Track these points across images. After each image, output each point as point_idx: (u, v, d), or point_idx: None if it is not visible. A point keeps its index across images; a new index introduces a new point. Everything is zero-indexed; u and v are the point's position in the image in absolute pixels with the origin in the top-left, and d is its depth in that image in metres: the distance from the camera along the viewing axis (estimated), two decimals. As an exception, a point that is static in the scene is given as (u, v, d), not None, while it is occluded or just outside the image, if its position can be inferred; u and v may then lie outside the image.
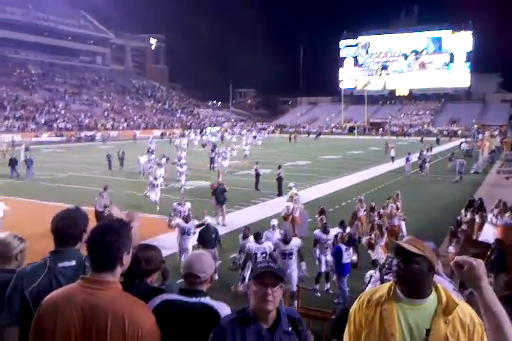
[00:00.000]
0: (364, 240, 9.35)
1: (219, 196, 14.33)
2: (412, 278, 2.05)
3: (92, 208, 12.06)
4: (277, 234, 8.93)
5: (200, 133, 64.71)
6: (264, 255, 7.89)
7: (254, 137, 53.29)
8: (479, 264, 1.71)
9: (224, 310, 2.37)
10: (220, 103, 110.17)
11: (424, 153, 28.06)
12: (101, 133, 58.09)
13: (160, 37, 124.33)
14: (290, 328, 2.20)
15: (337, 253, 8.39)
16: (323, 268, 9.13)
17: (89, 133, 58.04)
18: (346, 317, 2.29)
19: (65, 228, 2.47)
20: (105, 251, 2.05)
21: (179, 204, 11.83)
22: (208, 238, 9.27)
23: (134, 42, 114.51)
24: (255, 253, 7.84)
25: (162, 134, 63.07)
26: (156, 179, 16.57)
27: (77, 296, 2.02)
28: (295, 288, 7.49)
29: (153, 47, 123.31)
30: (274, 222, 9.55)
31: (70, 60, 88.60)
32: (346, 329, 2.26)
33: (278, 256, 7.99)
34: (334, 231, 9.35)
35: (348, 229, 10.18)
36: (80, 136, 56.58)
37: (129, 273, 2.46)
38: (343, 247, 8.37)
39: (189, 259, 2.53)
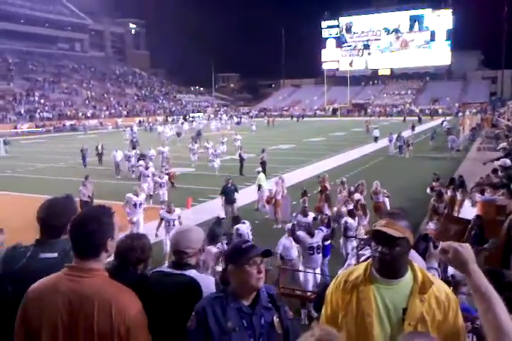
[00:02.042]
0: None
1: (230, 195, 12.78)
2: (394, 261, 2.06)
3: (77, 199, 11.94)
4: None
5: (185, 119, 63.96)
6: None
7: (238, 123, 52.97)
8: (465, 249, 1.70)
9: (208, 282, 2.43)
10: (202, 88, 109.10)
11: (403, 135, 27.55)
12: (82, 123, 57.23)
13: (140, 22, 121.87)
14: (270, 304, 2.24)
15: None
16: None
17: (70, 123, 57.18)
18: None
19: (49, 218, 2.43)
20: (88, 238, 2.03)
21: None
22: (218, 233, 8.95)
23: (113, 27, 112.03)
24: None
25: (140, 122, 60.68)
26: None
27: (62, 285, 2.01)
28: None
29: (133, 33, 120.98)
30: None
31: (47, 48, 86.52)
32: (323, 310, 2.28)
33: (302, 251, 7.62)
34: (312, 213, 9.40)
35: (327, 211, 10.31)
36: (60, 125, 55.71)
37: (122, 260, 2.59)
38: (324, 229, 8.42)
39: (175, 237, 2.61)
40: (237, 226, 8.23)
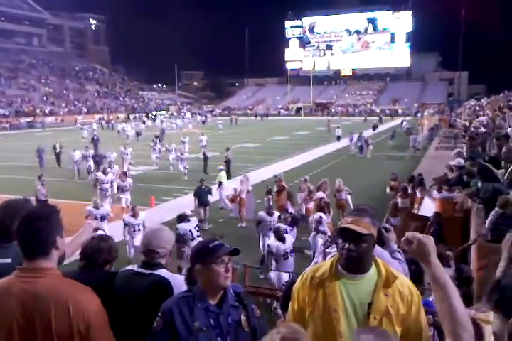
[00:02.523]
0: (311, 218, 9.52)
1: (203, 197, 12.41)
2: (361, 257, 2.10)
3: (33, 198, 11.57)
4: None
5: (147, 117, 62.90)
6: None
7: (203, 123, 52.41)
8: (428, 240, 1.75)
9: (178, 281, 2.43)
10: (165, 86, 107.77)
11: (364, 135, 27.48)
12: (40, 119, 55.45)
13: (100, 17, 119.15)
14: (237, 303, 2.24)
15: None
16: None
17: (28, 120, 55.29)
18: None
19: (3, 220, 2.35)
20: (36, 236, 1.98)
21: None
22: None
23: (72, 22, 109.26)
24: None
25: (100, 119, 57.93)
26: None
27: (15, 287, 1.95)
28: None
29: (93, 28, 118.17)
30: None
31: (4, 42, 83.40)
32: (290, 306, 2.30)
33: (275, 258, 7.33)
34: (277, 213, 9.44)
35: (291, 209, 10.37)
36: (17, 122, 53.79)
37: (89, 261, 2.63)
38: (287, 228, 8.46)
39: (147, 236, 2.63)
40: (177, 225, 8.15)
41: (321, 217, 8.64)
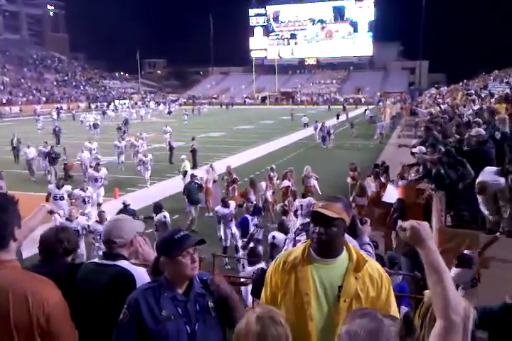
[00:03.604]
0: (278, 207, 9.59)
1: (193, 194, 11.16)
2: (331, 241, 2.15)
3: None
4: None
5: (108, 106, 61.29)
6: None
7: (169, 113, 50.90)
8: (423, 226, 1.78)
9: (140, 273, 2.44)
10: (128, 74, 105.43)
11: (326, 124, 26.81)
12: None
13: (58, 3, 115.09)
14: (203, 290, 2.25)
15: (243, 224, 8.44)
16: (229, 242, 9.15)
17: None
18: (263, 278, 2.35)
19: None
20: None
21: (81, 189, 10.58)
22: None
23: (29, 8, 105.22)
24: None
25: (57, 108, 51.93)
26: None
27: None
28: None
29: (51, 14, 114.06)
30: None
31: (-45, 29, 79.70)
32: (263, 291, 2.34)
33: None
34: (233, 203, 9.40)
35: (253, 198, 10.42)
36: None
37: (49, 252, 2.63)
38: (249, 217, 8.47)
39: (107, 226, 2.66)
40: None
41: (245, 218, 8.49)
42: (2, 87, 64.80)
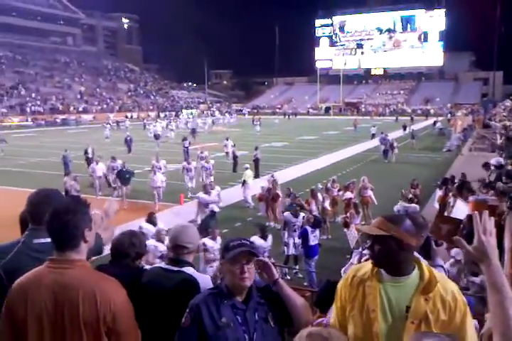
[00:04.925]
0: (340, 219, 9.45)
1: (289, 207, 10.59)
2: (384, 258, 2.08)
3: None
4: None
5: (177, 116, 62.98)
6: None
7: (233, 121, 51.24)
8: (490, 243, 1.69)
9: (205, 280, 2.48)
10: (195, 84, 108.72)
11: (388, 137, 25.67)
12: (76, 117, 56.69)
13: (133, 17, 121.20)
14: (262, 299, 2.25)
15: (303, 235, 8.39)
16: (291, 251, 9.12)
17: (62, 117, 56.69)
18: (328, 290, 2.32)
19: (39, 205, 2.39)
20: (64, 229, 2.04)
21: None
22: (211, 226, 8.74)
23: (105, 22, 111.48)
24: None
25: (126, 117, 54.78)
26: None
27: (45, 277, 2.02)
28: None
29: (125, 27, 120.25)
30: None
31: (40, 42, 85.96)
32: (334, 304, 2.30)
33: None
34: (302, 213, 9.38)
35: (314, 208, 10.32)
36: (51, 119, 55.21)
37: (121, 256, 2.71)
38: (309, 229, 8.38)
39: (175, 231, 2.64)
40: (140, 224, 8.23)
41: (306, 229, 8.50)
42: (79, 96, 68.89)
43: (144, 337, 2.26)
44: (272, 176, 13.55)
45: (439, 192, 11.40)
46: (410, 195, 12.31)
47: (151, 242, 6.85)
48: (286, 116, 67.84)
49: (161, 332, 2.37)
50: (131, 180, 14.82)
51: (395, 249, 2.07)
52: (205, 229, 8.11)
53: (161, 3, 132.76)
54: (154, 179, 14.09)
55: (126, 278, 2.26)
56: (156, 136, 30.90)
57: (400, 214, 2.32)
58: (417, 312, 2.01)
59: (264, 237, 7.70)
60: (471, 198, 8.88)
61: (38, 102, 60.90)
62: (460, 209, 8.39)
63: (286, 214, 9.50)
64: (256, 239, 7.39)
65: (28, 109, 57.73)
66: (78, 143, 23.88)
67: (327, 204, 11.64)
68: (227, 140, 24.37)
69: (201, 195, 11.62)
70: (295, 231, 9.14)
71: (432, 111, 69.20)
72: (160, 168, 15.54)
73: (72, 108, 62.39)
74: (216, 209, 9.76)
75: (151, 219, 8.30)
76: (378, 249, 2.07)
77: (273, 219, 12.13)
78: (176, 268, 2.52)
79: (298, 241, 8.93)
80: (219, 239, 7.48)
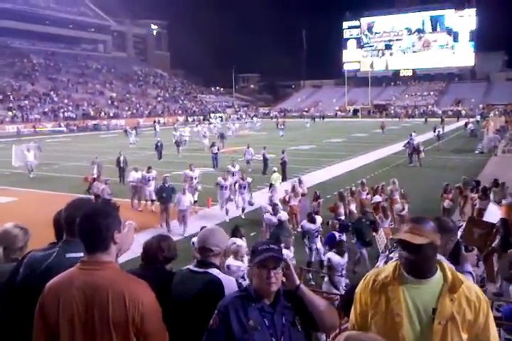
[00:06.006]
0: (330, 221, 9.27)
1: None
2: (421, 265, 2.07)
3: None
4: None
5: (205, 120, 63.10)
6: None
7: (259, 125, 50.86)
8: None
9: (230, 282, 2.51)
10: (223, 89, 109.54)
11: (413, 141, 24.46)
12: (108, 122, 57.92)
13: (161, 23, 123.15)
14: (289, 303, 2.26)
15: (330, 240, 8.23)
16: (314, 258, 8.98)
17: (94, 122, 57.97)
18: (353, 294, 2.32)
19: (68, 217, 2.43)
20: (95, 231, 2.10)
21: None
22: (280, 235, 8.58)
23: (135, 28, 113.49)
24: None
25: (154, 122, 52.81)
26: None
27: (77, 278, 2.08)
28: None
29: (154, 34, 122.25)
30: None
31: (71, 49, 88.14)
32: (353, 308, 2.29)
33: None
34: (320, 218, 9.18)
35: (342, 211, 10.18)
36: (84, 125, 56.50)
37: (150, 259, 2.79)
38: (337, 234, 8.27)
39: (203, 234, 2.71)
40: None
41: (333, 235, 8.31)
42: (110, 102, 70.31)
43: (172, 339, 2.28)
44: (299, 179, 13.47)
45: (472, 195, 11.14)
46: (447, 202, 11.76)
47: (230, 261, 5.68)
48: (317, 119, 67.23)
49: (188, 334, 2.40)
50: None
51: (431, 256, 2.08)
52: (276, 240, 7.58)
53: (189, 9, 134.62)
54: (182, 199, 11.40)
55: (155, 281, 2.29)
56: (177, 143, 28.74)
57: (421, 216, 2.27)
58: (444, 313, 2.01)
59: (312, 221, 7.61)
60: (504, 201, 8.70)
61: (71, 108, 62.39)
62: (492, 213, 8.22)
63: (304, 222, 9.25)
64: (304, 223, 7.39)
65: (60, 115, 59.23)
66: (110, 147, 24.22)
67: (353, 207, 11.54)
68: (248, 148, 22.12)
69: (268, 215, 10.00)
70: (317, 236, 8.97)
71: (463, 112, 67.69)
72: (195, 178, 14.52)
73: (103, 113, 63.68)
74: (283, 217, 9.40)
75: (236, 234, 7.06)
76: (415, 257, 2.04)
77: (295, 223, 11.85)
78: (201, 270, 2.56)
79: (320, 246, 8.81)
80: (292, 248, 7.49)
